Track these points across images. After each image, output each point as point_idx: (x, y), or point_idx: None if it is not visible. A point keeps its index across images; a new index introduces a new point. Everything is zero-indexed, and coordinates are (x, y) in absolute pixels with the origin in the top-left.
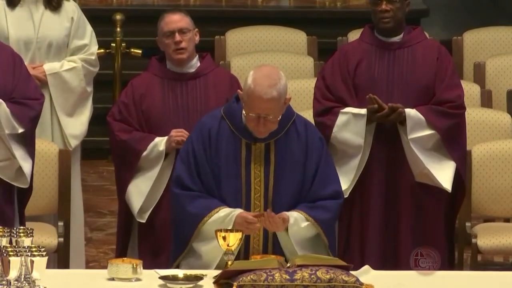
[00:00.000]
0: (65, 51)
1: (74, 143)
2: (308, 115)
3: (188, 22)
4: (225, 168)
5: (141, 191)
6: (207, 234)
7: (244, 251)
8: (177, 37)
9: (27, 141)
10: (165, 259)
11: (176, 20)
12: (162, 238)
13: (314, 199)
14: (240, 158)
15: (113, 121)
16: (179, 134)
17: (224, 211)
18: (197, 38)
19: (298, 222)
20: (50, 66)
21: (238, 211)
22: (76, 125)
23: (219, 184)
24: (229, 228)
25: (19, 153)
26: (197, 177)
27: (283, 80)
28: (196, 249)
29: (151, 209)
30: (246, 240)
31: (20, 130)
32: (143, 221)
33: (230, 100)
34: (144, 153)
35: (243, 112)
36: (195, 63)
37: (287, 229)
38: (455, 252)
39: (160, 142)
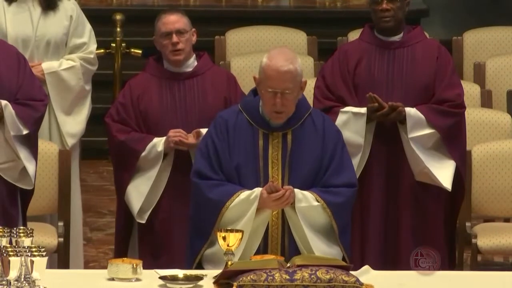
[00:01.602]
0: (64, 49)
1: (71, 142)
2: None
3: (186, 23)
4: (244, 158)
5: (140, 192)
6: (230, 219)
7: (262, 252)
8: (174, 38)
9: (31, 143)
10: (165, 261)
11: (174, 21)
12: (161, 239)
13: (327, 186)
14: (258, 148)
15: (111, 122)
16: (177, 134)
17: (244, 194)
18: (194, 38)
19: (307, 199)
20: (48, 65)
21: (259, 190)
22: (74, 124)
23: (239, 174)
24: (230, 229)
25: (24, 155)
26: (218, 168)
27: (298, 60)
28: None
29: (151, 209)
30: (264, 244)
31: (25, 132)
32: (143, 221)
33: (247, 95)
34: (143, 154)
35: (260, 101)
36: (192, 62)
37: (294, 208)
38: (456, 252)
39: (158, 143)
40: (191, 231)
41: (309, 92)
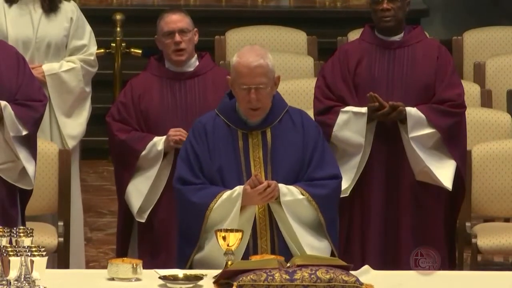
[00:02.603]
0: (64, 51)
1: (71, 143)
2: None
3: (188, 22)
4: (225, 160)
5: (140, 191)
6: (215, 220)
7: (252, 252)
8: (177, 37)
9: (30, 143)
10: (164, 260)
11: (176, 20)
12: (161, 238)
13: (311, 180)
14: (238, 148)
15: (112, 121)
16: (177, 133)
17: (226, 193)
18: (196, 38)
19: (292, 192)
20: (49, 67)
21: (240, 187)
22: (74, 126)
23: (222, 176)
24: (230, 228)
25: (23, 155)
26: (199, 172)
27: (269, 55)
28: (209, 242)
29: (150, 209)
30: (254, 240)
31: (24, 133)
32: (143, 220)
33: (223, 98)
34: (143, 153)
35: (236, 103)
36: (194, 62)
37: (280, 203)
38: (456, 252)
39: (158, 142)
40: (179, 237)
41: (309, 92)
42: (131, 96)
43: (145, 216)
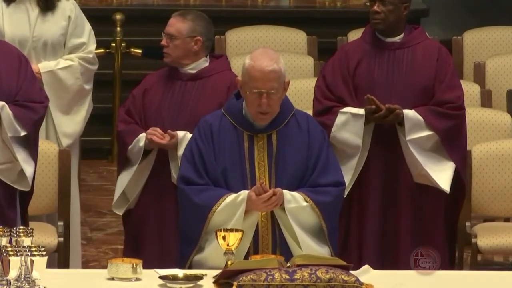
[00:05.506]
0: (62, 50)
1: (66, 142)
2: None
3: (181, 28)
4: (230, 161)
5: (121, 184)
6: (217, 223)
7: (253, 253)
8: (163, 40)
9: (30, 144)
10: (143, 258)
11: (170, 23)
12: (137, 237)
13: (314, 186)
14: (244, 150)
15: (121, 111)
16: (153, 132)
17: (230, 197)
18: (195, 46)
19: (296, 199)
20: (45, 64)
21: (245, 192)
22: (71, 124)
23: (226, 178)
24: (229, 228)
25: (22, 156)
26: (204, 173)
27: (281, 59)
28: (210, 244)
29: (128, 204)
30: (255, 242)
31: (23, 133)
32: (120, 213)
33: (230, 98)
34: (130, 147)
35: (243, 104)
36: (200, 64)
37: (284, 208)
38: (455, 252)
39: (142, 138)
40: (180, 237)
41: (309, 92)
42: (141, 90)
43: (122, 210)
